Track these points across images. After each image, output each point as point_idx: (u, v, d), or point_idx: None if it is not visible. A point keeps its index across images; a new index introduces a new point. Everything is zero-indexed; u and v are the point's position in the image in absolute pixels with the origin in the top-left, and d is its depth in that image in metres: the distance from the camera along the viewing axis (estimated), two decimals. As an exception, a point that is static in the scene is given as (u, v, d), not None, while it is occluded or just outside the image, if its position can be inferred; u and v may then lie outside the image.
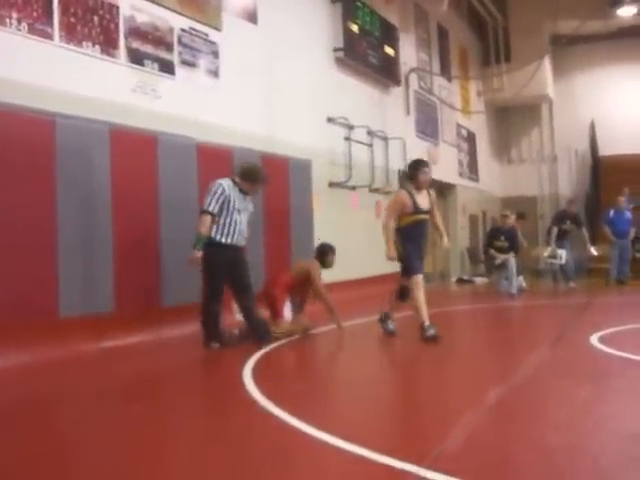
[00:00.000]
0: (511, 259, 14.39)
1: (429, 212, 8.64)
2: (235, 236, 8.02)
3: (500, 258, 14.57)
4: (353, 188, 13.81)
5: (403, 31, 16.87)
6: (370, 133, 14.68)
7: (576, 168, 24.66)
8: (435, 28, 19.59)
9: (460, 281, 19.00)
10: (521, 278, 15.25)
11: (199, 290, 9.00)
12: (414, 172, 8.56)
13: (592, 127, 24.04)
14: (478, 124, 22.78)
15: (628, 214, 17.02)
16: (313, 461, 4.08)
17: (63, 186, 7.88)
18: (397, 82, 16.24)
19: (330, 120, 13.27)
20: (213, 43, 10.43)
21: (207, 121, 10.16)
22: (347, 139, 13.72)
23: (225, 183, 7.98)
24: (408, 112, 17.12)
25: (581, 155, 24.39)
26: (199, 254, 7.83)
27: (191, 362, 7.56)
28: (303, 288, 9.32)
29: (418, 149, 17.30)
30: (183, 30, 9.85)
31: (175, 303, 9.21)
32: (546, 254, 15.98)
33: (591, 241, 16.39)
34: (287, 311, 9.10)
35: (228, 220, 7.94)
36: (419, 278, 8.38)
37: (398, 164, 15.85)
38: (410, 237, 8.46)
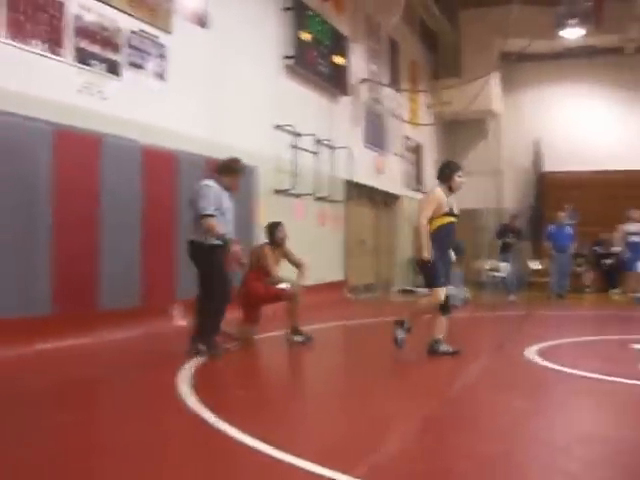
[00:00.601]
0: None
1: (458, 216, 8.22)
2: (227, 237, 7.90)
3: (443, 269, 14.67)
4: (298, 196, 13.82)
5: (354, 42, 16.93)
6: (317, 142, 14.70)
7: (521, 183, 24.98)
8: (386, 40, 19.65)
9: (403, 291, 19.10)
10: (464, 289, 15.38)
11: (140, 294, 8.98)
12: (450, 174, 8.08)
13: (537, 143, 24.38)
14: (426, 136, 22.95)
15: (569, 229, 17.33)
16: (243, 470, 4.07)
17: (1, 186, 7.77)
18: (346, 92, 16.29)
19: (277, 127, 13.26)
20: (162, 46, 10.35)
21: (153, 124, 10.08)
22: (294, 147, 13.73)
23: (212, 184, 7.84)
24: (356, 122, 17.18)
25: (526, 170, 24.70)
26: (237, 247, 7.80)
27: (128, 367, 7.46)
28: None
29: (365, 159, 17.41)
30: (132, 32, 9.77)
31: (115, 306, 9.12)
32: (488, 267, 16.15)
33: (533, 255, 16.60)
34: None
35: (221, 221, 7.79)
36: (442, 292, 7.92)
37: (344, 173, 15.92)
38: (440, 243, 7.93)
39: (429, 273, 7.94)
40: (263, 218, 12.08)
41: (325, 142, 15.04)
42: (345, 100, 16.51)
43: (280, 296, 8.89)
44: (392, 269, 19.86)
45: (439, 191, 8.00)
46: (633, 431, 5.09)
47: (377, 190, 18.61)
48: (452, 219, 8.05)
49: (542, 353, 8.14)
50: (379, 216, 19.40)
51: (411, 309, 8.19)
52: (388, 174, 19.06)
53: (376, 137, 18.38)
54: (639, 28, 21.55)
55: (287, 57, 13.76)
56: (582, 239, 18.38)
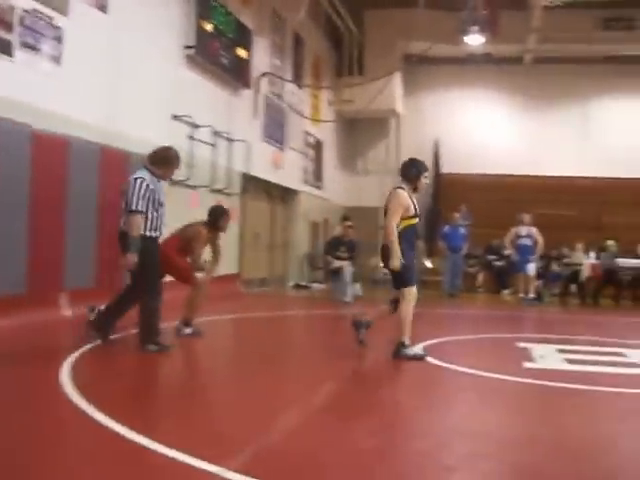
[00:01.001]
0: (347, 267, 14.63)
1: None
2: (161, 230, 7.74)
3: (336, 263, 14.80)
4: (194, 187, 13.63)
5: (258, 35, 16.86)
6: (215, 133, 14.57)
7: (419, 183, 25.33)
8: (291, 35, 19.66)
9: (297, 287, 19.14)
10: (357, 286, 15.52)
11: (26, 282, 8.72)
12: (416, 174, 7.82)
13: (436, 144, 24.79)
14: (327, 133, 23.04)
15: (462, 230, 17.69)
16: (120, 462, 4.00)
17: None
18: (247, 85, 16.19)
19: (175, 117, 13.07)
20: (57, 28, 10.06)
21: (46, 109, 9.77)
22: (191, 138, 13.54)
23: (146, 177, 7.57)
24: (256, 116, 17.11)
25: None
26: (135, 258, 7.43)
27: (9, 358, 7.21)
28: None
29: (264, 153, 17.36)
30: (25, 10, 9.46)
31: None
32: (382, 264, 16.30)
33: (426, 254, 16.85)
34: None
35: (155, 214, 7.58)
36: (414, 290, 7.85)
37: (242, 167, 15.83)
38: (409, 244, 7.75)
39: (402, 274, 7.73)
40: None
41: (223, 134, 14.92)
42: (246, 93, 16.42)
43: (188, 278, 8.72)
44: (287, 264, 19.89)
45: (403, 193, 7.76)
46: (514, 427, 5.21)
47: (275, 185, 18.60)
48: (417, 220, 7.85)
49: (430, 350, 8.23)
50: (276, 211, 19.39)
51: (401, 324, 7.82)
52: (286, 169, 19.04)
53: (276, 132, 18.34)
54: (536, 40, 22.23)
55: (188, 47, 13.56)
56: (475, 240, 18.77)
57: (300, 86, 20.38)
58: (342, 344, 8.95)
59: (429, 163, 24.53)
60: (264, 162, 17.42)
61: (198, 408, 5.43)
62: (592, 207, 22.88)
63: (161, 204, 7.70)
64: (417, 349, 7.94)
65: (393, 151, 25.18)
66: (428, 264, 17.12)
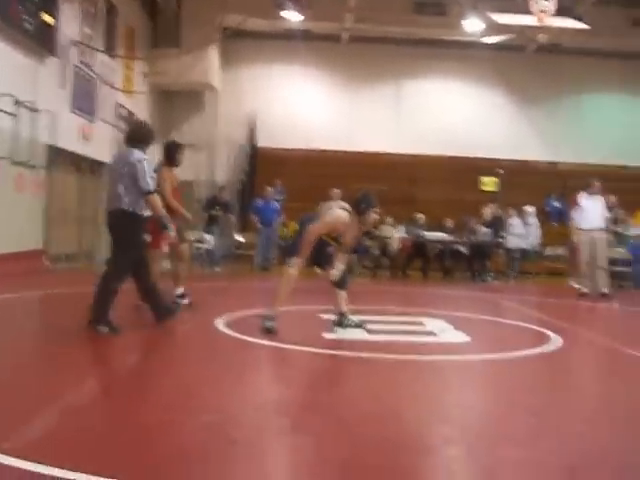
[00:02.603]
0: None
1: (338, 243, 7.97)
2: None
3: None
4: (-7, 159, 12.99)
5: (66, 1, 16.20)
6: (17, 103, 13.87)
7: (234, 157, 25.33)
8: (104, 3, 19.02)
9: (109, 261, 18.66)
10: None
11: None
12: (365, 209, 7.80)
13: (253, 119, 24.80)
14: (140, 105, 22.48)
15: (275, 204, 17.85)
16: None
17: None
18: (53, 53, 15.51)
19: (-28, 85, 12.40)
20: None
21: None
22: (-10, 108, 12.89)
23: (146, 157, 7.53)
24: (63, 85, 16.46)
25: (241, 145, 25.08)
26: (173, 232, 7.84)
27: None
28: None
29: (72, 124, 16.77)
30: None
31: None
32: (193, 238, 16.28)
33: (240, 228, 16.93)
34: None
35: None
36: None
37: (47, 138, 15.24)
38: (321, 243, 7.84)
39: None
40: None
41: (26, 104, 14.25)
42: (52, 62, 15.70)
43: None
44: (98, 239, 19.32)
45: (347, 219, 7.81)
46: (300, 397, 5.32)
47: (84, 157, 18.00)
48: (331, 242, 8.00)
49: (231, 323, 8.29)
50: (85, 184, 18.76)
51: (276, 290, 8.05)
52: (97, 141, 18.40)
53: (85, 103, 17.71)
54: (352, 19, 22.64)
55: (-13, 10, 12.86)
56: (289, 215, 18.93)
57: (112, 56, 19.80)
58: (145, 315, 8.83)
59: (245, 137, 24.77)
60: (72, 134, 16.82)
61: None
62: (404, 182, 23.58)
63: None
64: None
65: (209, 124, 25.03)
66: (240, 238, 17.20)
